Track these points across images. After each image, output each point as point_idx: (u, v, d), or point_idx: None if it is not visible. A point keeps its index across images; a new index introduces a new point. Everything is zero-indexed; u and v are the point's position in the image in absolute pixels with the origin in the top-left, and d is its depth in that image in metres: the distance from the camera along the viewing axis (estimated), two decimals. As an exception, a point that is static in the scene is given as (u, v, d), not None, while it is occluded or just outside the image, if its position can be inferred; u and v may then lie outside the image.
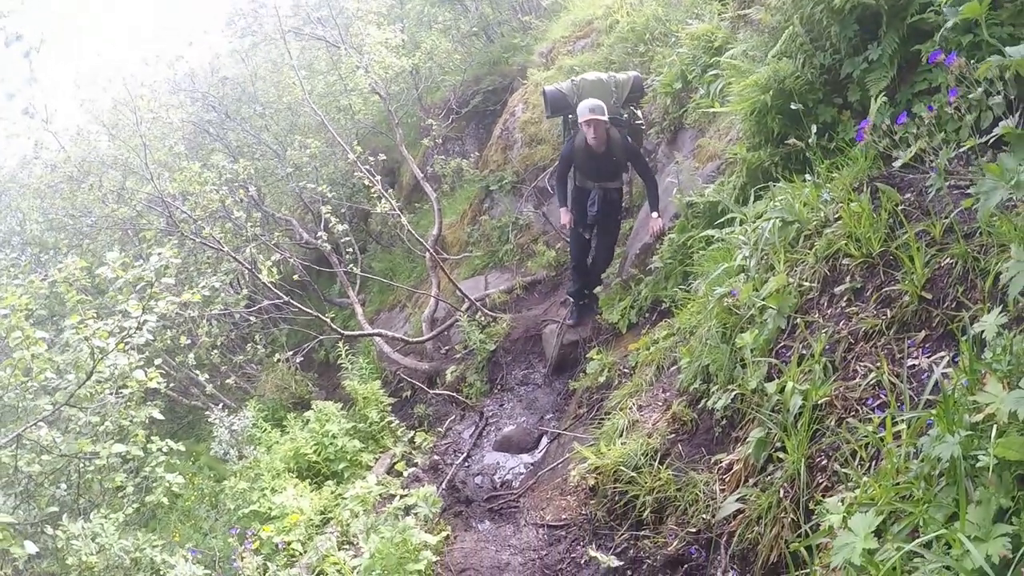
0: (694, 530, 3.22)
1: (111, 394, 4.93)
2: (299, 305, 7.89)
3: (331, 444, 7.15)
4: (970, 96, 2.38)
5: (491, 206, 10.39)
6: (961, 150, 2.46)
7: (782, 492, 2.59)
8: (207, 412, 7.49)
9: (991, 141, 2.20)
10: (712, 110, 5.69)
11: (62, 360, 4.85)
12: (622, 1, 9.33)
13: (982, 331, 1.95)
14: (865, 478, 2.06)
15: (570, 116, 7.25)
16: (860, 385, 2.54)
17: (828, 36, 4.32)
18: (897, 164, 2.69)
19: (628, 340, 6.04)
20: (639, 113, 7.48)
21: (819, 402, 2.59)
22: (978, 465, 1.62)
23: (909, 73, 3.88)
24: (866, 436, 2.24)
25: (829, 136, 4.26)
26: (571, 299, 7.63)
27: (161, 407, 5.52)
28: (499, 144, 10.72)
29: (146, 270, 4.94)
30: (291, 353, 9.53)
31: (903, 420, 2.11)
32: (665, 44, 8.09)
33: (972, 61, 2.48)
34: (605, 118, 6.59)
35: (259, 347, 10.29)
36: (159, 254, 4.99)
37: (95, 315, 5.11)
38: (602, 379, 5.74)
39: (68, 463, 4.86)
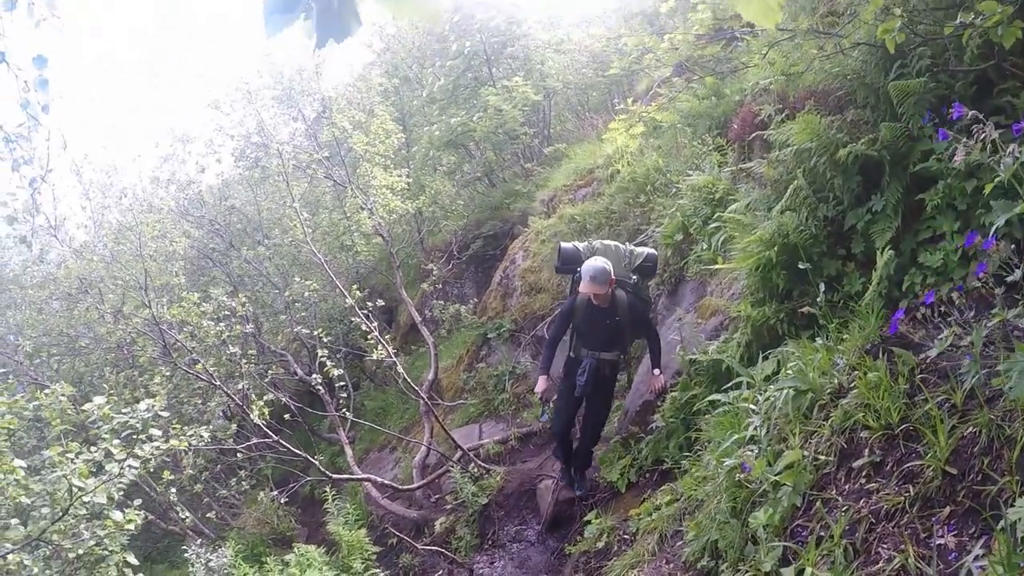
0: None
1: (86, 530, 4.67)
2: (287, 445, 7.65)
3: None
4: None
5: (488, 353, 10.26)
6: (992, 324, 2.35)
7: None
8: (185, 539, 7.14)
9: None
10: (715, 267, 5.65)
11: (39, 489, 4.63)
12: (622, 151, 9.49)
13: (1018, 519, 1.78)
14: None
15: (576, 273, 6.51)
16: (884, 570, 2.33)
17: (831, 188, 4.35)
18: (933, 353, 2.58)
19: (628, 500, 5.79)
20: (648, 288, 6.82)
21: (840, 594, 2.38)
22: None
23: (913, 221, 3.89)
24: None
25: (835, 290, 4.20)
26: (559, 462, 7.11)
27: (137, 527, 5.23)
28: (498, 291, 10.71)
29: (133, 418, 4.79)
30: (276, 492, 9.20)
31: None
32: (666, 195, 8.15)
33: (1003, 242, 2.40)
34: (606, 288, 5.99)
35: (243, 482, 9.97)
36: (149, 405, 4.86)
37: (78, 446, 4.91)
38: (600, 544, 5.47)
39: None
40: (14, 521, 4.45)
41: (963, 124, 3.02)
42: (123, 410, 4.90)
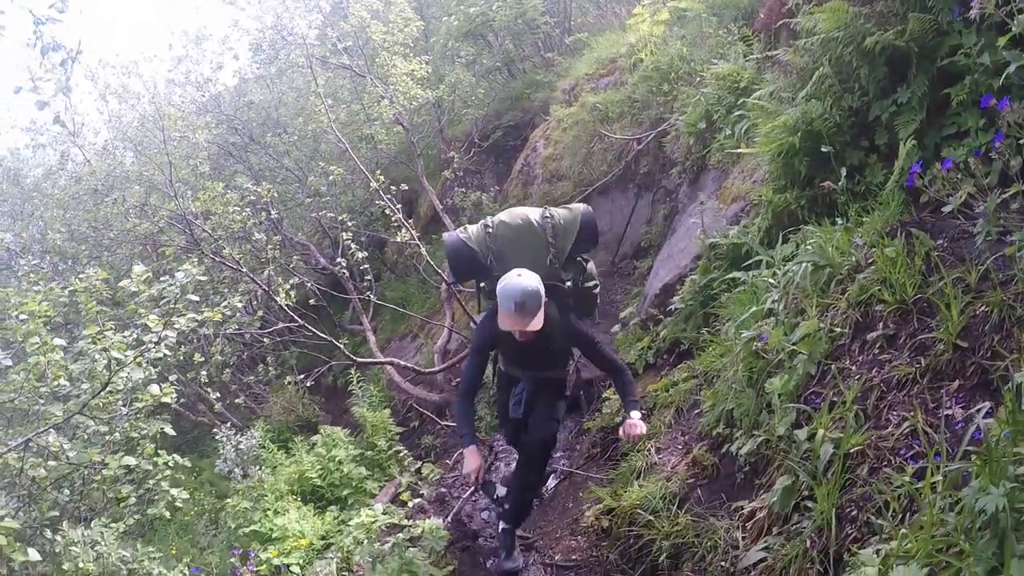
0: (713, 579, 3.12)
1: (123, 405, 4.92)
2: (312, 329, 7.85)
3: (337, 470, 7.09)
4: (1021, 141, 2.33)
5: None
6: (1007, 193, 2.41)
7: (809, 542, 2.50)
8: (213, 429, 7.45)
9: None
10: (738, 151, 5.65)
11: (76, 368, 4.85)
12: (646, 40, 9.32)
13: (1021, 382, 1.89)
14: (903, 530, 1.97)
15: (483, 284, 4.72)
16: (893, 435, 2.46)
17: (857, 78, 4.30)
18: (947, 209, 2.65)
19: (645, 380, 5.95)
20: (591, 268, 4.77)
21: (851, 451, 2.52)
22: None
23: (938, 116, 3.86)
24: (900, 487, 2.16)
25: (857, 179, 4.22)
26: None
27: (169, 420, 5.52)
28: (519, 179, 10.71)
29: (171, 286, 4.96)
30: (302, 376, 9.50)
31: (940, 471, 2.04)
32: (690, 84, 8.05)
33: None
34: (539, 319, 4.09)
35: (270, 369, 10.28)
36: (185, 271, 5.02)
37: (113, 327, 5.11)
38: (618, 419, 5.64)
39: (73, 470, 4.84)
40: (55, 409, 4.67)
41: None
42: (162, 279, 5.07)
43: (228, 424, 7.71)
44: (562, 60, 12.45)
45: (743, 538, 2.99)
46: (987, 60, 3.41)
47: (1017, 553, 1.58)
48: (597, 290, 4.90)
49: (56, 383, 4.70)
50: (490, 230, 4.50)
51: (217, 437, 7.24)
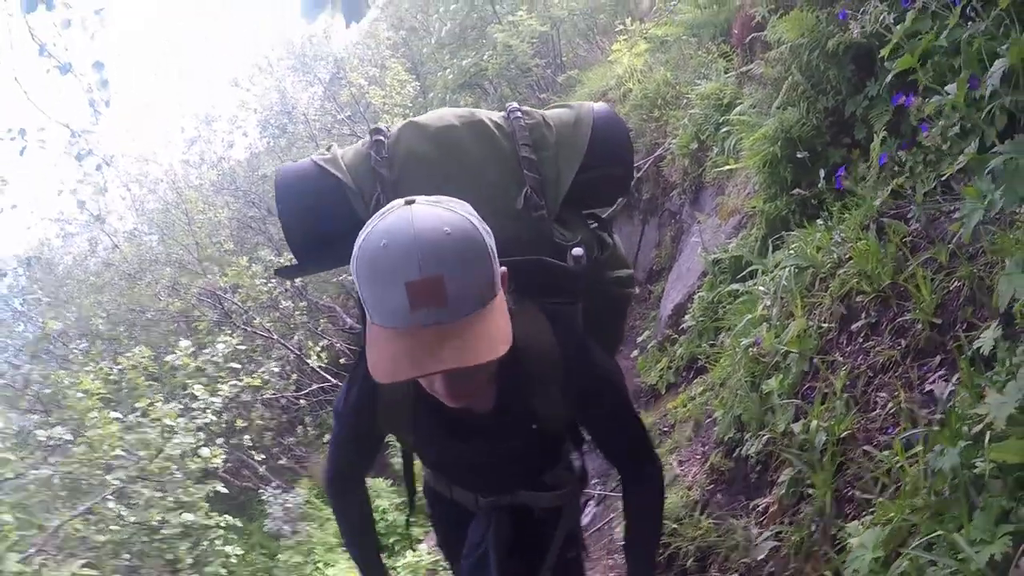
0: (736, 574, 3.26)
1: (177, 471, 5.22)
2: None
3: (381, 519, 7.27)
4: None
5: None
6: (942, 179, 2.59)
7: (812, 525, 2.65)
8: (259, 492, 7.70)
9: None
10: (727, 167, 5.86)
11: (130, 439, 5.16)
12: (631, 70, 9.61)
13: (979, 347, 2.05)
14: (882, 499, 2.14)
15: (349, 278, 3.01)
16: (880, 415, 2.62)
17: (827, 80, 4.51)
18: (876, 203, 2.83)
19: (668, 400, 6.10)
20: (617, 244, 2.23)
21: (842, 436, 2.68)
22: (976, 471, 1.71)
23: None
24: (885, 462, 2.32)
25: (844, 176, 4.40)
26: None
27: (219, 483, 5.81)
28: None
29: (214, 355, 5.28)
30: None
31: (918, 441, 2.20)
32: (678, 106, 8.30)
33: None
34: (489, 351, 1.42)
35: (309, 429, 10.56)
36: (224, 342, 5.37)
37: (162, 399, 5.45)
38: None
39: (131, 535, 5.11)
40: (125, 455, 4.99)
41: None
42: (204, 351, 5.41)
43: (274, 484, 7.95)
44: (556, 98, 12.76)
45: (759, 532, 3.14)
46: (944, 41, 3.59)
47: (978, 505, 1.73)
48: (633, 288, 2.33)
49: (113, 454, 5.02)
50: (383, 143, 1.95)
51: (264, 497, 7.48)
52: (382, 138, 1.94)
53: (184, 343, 5.54)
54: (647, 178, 8.92)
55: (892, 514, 2.01)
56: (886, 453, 2.32)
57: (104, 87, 4.09)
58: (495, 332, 1.42)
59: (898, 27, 3.06)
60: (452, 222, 1.39)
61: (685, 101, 7.91)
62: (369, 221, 1.45)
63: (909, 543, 1.87)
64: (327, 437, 10.31)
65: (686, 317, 6.17)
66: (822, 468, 2.66)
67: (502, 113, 2.01)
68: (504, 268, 1.54)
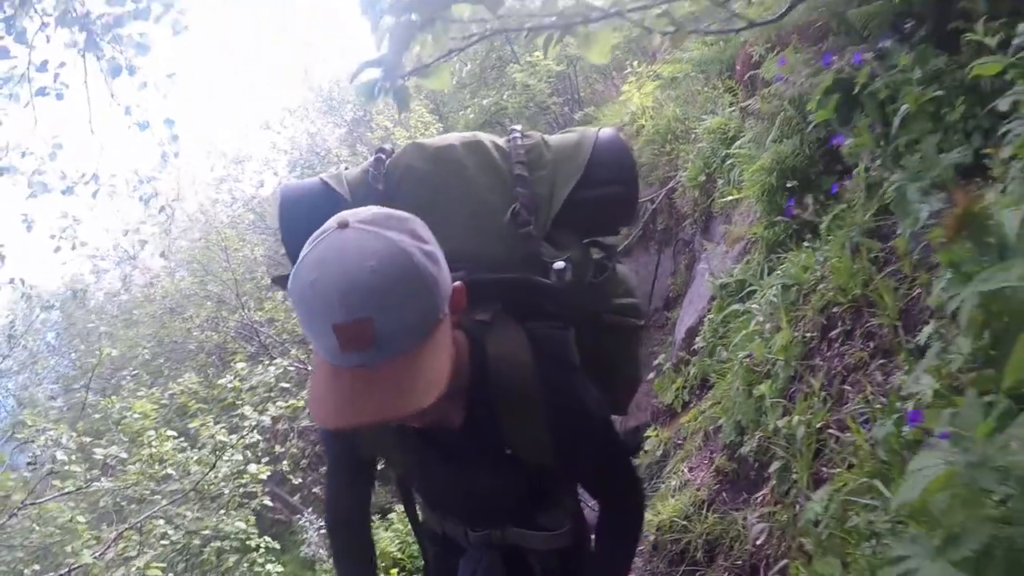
0: (740, 562, 3.63)
1: (227, 489, 5.65)
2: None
3: (415, 542, 7.59)
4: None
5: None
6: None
7: (796, 508, 3.02)
8: (289, 524, 8.08)
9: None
10: (731, 197, 6.26)
11: (183, 457, 5.61)
12: (643, 107, 10.07)
13: (918, 340, 2.45)
14: (840, 470, 2.52)
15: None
16: (851, 409, 3.00)
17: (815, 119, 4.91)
18: (823, 226, 3.24)
19: (683, 416, 6.47)
20: (622, 273, 2.13)
21: (819, 426, 3.06)
22: (907, 438, 2.10)
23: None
24: (849, 444, 2.70)
25: (833, 201, 4.79)
26: None
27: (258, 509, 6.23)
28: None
29: (266, 376, 5.73)
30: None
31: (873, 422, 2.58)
32: (687, 140, 8.73)
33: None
34: (427, 394, 1.32)
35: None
36: (276, 364, 5.81)
37: (213, 420, 5.90)
38: (659, 453, 6.17)
39: (178, 552, 5.53)
40: (174, 473, 5.43)
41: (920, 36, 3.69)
42: (256, 372, 5.88)
43: (310, 509, 8.34)
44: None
45: (756, 522, 3.51)
46: (918, 73, 3.99)
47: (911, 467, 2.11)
48: (638, 320, 2.17)
49: (164, 473, 5.47)
50: (383, 160, 1.93)
51: (300, 522, 7.87)
52: (383, 155, 1.92)
53: (240, 365, 6.01)
54: (661, 209, 9.36)
55: (845, 482, 2.40)
56: (849, 435, 2.71)
57: (174, 141, 4.68)
58: (429, 374, 1.32)
59: (819, 85, 3.54)
60: (381, 254, 1.28)
61: (694, 135, 8.36)
62: (307, 243, 1.35)
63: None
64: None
65: (697, 339, 6.54)
66: (802, 456, 3.04)
67: (506, 136, 1.95)
68: (460, 283, 1.46)
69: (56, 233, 7.59)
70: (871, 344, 3.15)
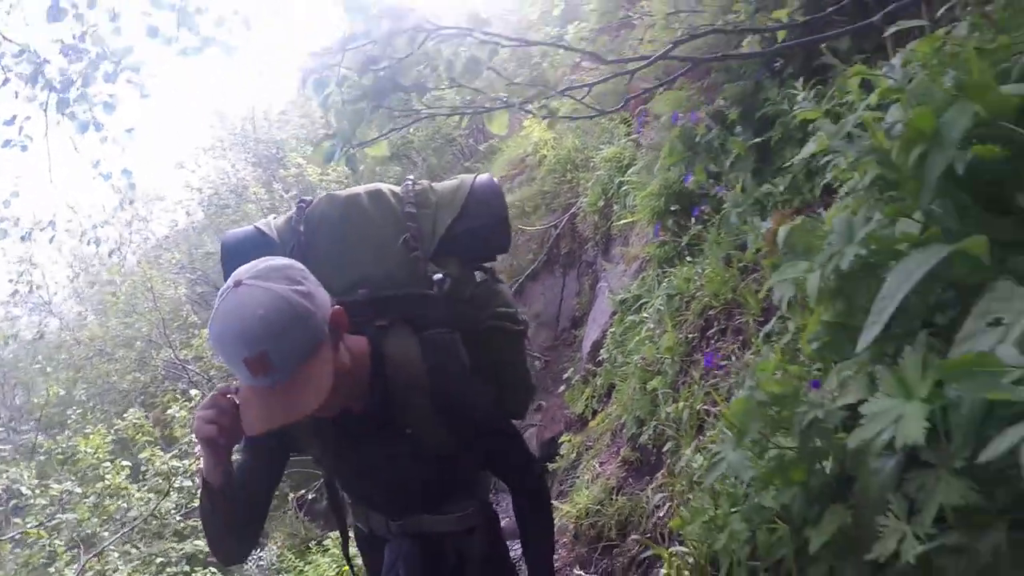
0: (648, 535, 4.20)
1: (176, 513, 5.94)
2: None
3: (354, 565, 7.95)
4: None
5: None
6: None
7: (687, 478, 3.62)
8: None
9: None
10: (624, 221, 6.92)
11: (134, 489, 5.89)
12: (544, 139, 10.74)
13: (767, 330, 3.08)
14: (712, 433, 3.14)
15: None
16: (724, 391, 3.63)
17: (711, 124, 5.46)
18: (683, 243, 3.89)
19: (593, 422, 7.06)
20: (503, 291, 2.50)
21: (699, 409, 3.68)
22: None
23: (768, 155, 4.77)
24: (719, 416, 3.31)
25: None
26: None
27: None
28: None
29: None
30: (300, 493, 10.42)
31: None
32: (587, 169, 9.42)
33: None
34: (315, 396, 1.80)
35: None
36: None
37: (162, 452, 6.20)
38: (573, 456, 6.74)
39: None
40: (131, 512, 5.72)
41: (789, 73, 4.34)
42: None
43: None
44: (479, 166, 13.87)
45: (658, 496, 4.11)
46: (787, 105, 4.61)
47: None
48: (519, 326, 2.48)
49: (116, 506, 5.74)
50: (304, 209, 2.35)
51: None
52: (304, 205, 2.35)
53: (194, 392, 6.32)
54: (564, 234, 10.04)
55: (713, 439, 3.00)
56: (718, 408, 3.32)
57: (132, 189, 5.09)
58: (318, 382, 1.78)
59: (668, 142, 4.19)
60: (266, 302, 1.72)
61: (592, 164, 9.06)
62: (216, 299, 1.80)
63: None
64: (291, 496, 11.03)
65: (602, 351, 7.16)
66: (687, 433, 3.65)
67: (402, 184, 2.39)
68: (338, 307, 1.90)
69: (14, 277, 7.80)
70: (739, 337, 3.79)
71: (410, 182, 2.38)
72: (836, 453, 1.81)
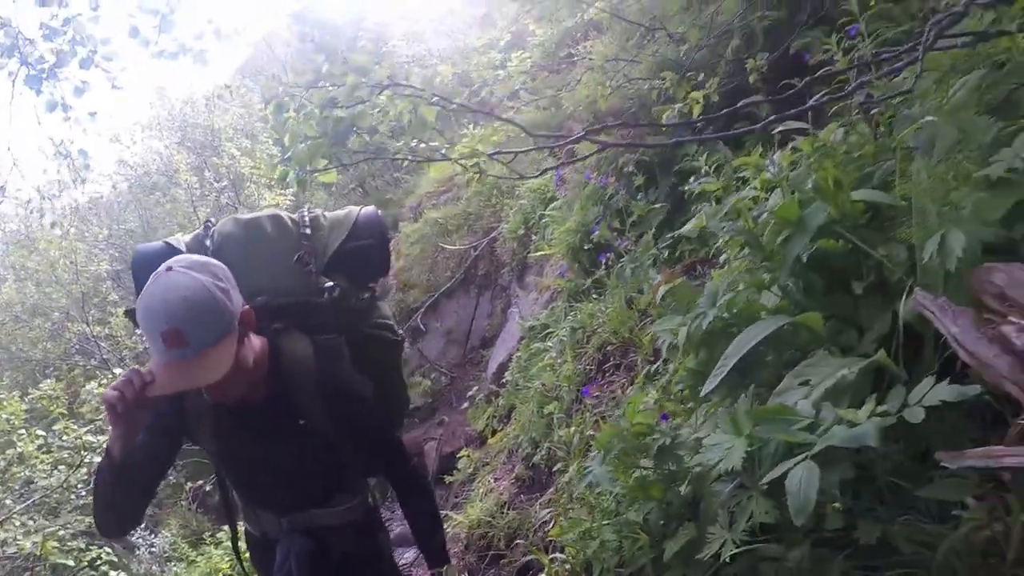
0: (535, 546, 4.54)
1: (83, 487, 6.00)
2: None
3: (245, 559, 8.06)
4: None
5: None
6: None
7: (570, 493, 3.99)
8: (127, 538, 8.34)
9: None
10: (540, 252, 7.31)
11: (47, 459, 5.93)
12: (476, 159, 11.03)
13: (651, 368, 3.48)
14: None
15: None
16: (611, 417, 4.01)
17: (620, 186, 5.89)
18: (587, 284, 4.29)
19: (492, 440, 7.39)
20: (383, 309, 2.87)
21: (587, 435, 4.05)
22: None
23: (682, 205, 4.86)
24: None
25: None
26: None
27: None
28: (375, 289, 12.09)
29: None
30: (197, 484, 10.44)
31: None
32: (512, 196, 9.77)
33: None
34: (221, 363, 2.10)
35: (170, 478, 11.14)
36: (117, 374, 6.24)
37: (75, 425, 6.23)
38: (470, 470, 7.05)
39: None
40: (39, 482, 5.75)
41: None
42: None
43: (143, 525, 8.62)
44: (409, 178, 14.10)
45: (545, 511, 4.46)
46: (703, 163, 5.03)
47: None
48: (394, 336, 2.84)
49: (21, 475, 5.77)
50: (211, 227, 2.64)
51: (131, 539, 8.14)
52: (210, 224, 2.65)
53: (92, 384, 6.37)
54: (483, 256, 10.37)
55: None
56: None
57: (87, 168, 5.25)
58: (224, 359, 2.07)
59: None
60: (191, 287, 2.03)
61: (517, 192, 9.42)
62: (150, 278, 2.06)
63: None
64: (189, 485, 11.00)
65: (507, 373, 7.51)
66: (575, 456, 4.02)
67: (298, 212, 2.71)
68: (248, 307, 2.21)
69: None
70: (631, 373, 4.18)
71: (305, 210, 2.70)
72: (687, 476, 2.18)
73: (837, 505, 1.63)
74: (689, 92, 4.38)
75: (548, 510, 4.28)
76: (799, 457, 1.52)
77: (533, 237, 8.44)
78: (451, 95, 12.45)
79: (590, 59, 7.79)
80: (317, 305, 2.50)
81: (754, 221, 2.40)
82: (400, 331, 2.90)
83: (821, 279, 2.21)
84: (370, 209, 2.79)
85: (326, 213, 2.74)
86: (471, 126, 11.49)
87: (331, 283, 2.51)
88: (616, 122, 4.57)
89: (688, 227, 2.46)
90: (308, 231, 2.61)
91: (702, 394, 1.93)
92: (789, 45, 4.39)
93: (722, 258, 2.64)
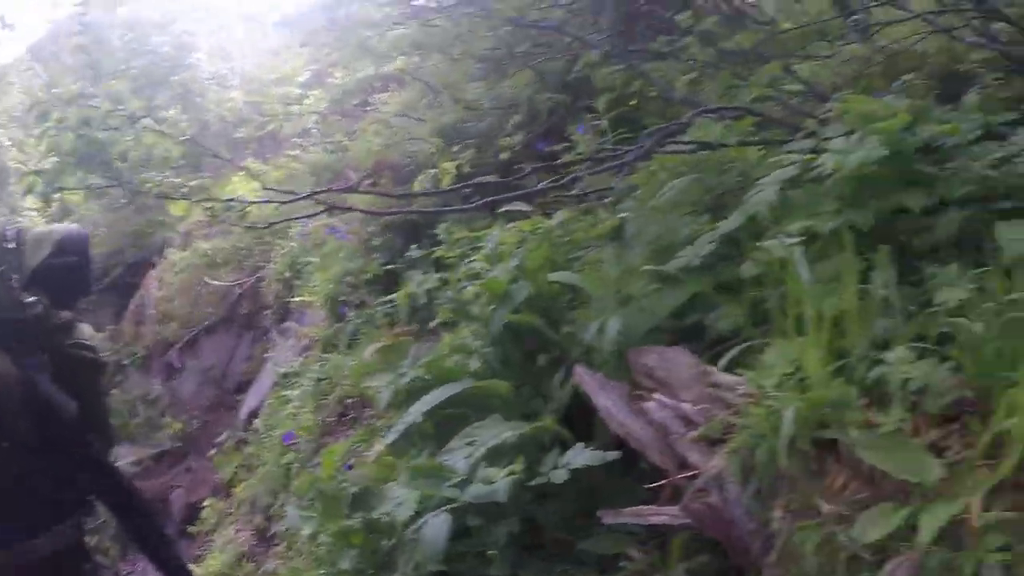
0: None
1: None
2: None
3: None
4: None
5: (123, 379, 10.98)
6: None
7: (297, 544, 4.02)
8: None
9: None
10: (300, 299, 7.29)
11: None
12: (250, 195, 10.75)
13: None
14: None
15: None
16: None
17: (383, 245, 5.74)
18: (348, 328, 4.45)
19: (237, 489, 7.19)
20: (86, 331, 2.79)
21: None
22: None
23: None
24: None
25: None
26: None
27: None
28: (133, 318, 11.41)
29: None
30: None
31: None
32: (284, 237, 9.57)
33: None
34: None
35: None
36: None
37: None
38: (213, 521, 6.83)
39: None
40: None
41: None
42: None
43: None
44: (186, 200, 13.27)
45: (277, 562, 4.44)
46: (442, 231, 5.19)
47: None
48: (96, 356, 2.77)
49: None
50: None
51: None
52: None
53: None
54: (248, 295, 10.08)
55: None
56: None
57: None
58: None
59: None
60: None
61: (291, 234, 9.25)
62: None
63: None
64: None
65: (256, 421, 7.36)
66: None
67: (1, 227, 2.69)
68: None
69: None
70: (366, 423, 4.29)
71: (9, 223, 2.94)
72: (382, 526, 2.32)
73: (493, 552, 1.81)
74: (447, 161, 4.63)
75: (279, 561, 4.27)
76: (439, 510, 1.70)
77: (297, 282, 8.36)
78: (241, 122, 11.90)
79: (380, 111, 7.94)
80: (19, 322, 2.46)
81: (471, 292, 2.62)
82: (103, 354, 2.89)
83: (517, 350, 2.45)
84: (76, 227, 2.93)
85: (32, 229, 2.78)
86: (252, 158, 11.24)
87: (32, 298, 2.49)
88: (367, 183, 4.66)
89: (398, 295, 2.64)
90: (12, 245, 2.58)
91: (384, 446, 2.08)
92: (546, 128, 4.74)
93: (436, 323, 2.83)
